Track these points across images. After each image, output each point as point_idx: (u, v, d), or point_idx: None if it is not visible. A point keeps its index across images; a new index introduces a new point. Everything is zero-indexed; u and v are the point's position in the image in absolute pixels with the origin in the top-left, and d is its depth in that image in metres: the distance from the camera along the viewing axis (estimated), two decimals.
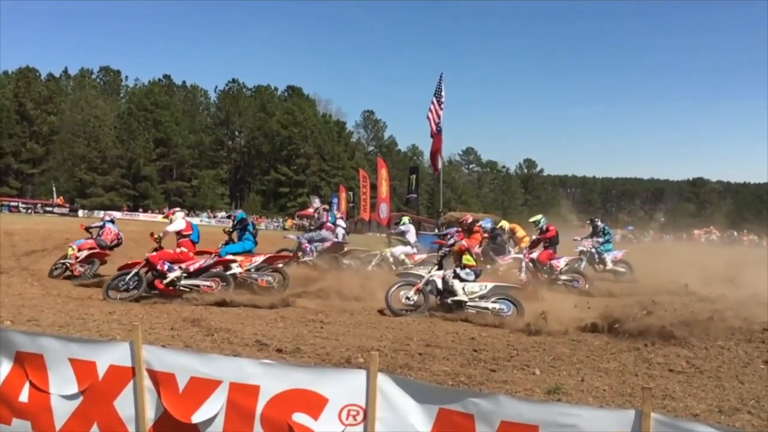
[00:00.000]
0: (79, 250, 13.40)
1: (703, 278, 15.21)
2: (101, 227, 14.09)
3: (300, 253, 16.26)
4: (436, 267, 11.31)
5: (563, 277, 14.95)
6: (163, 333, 8.28)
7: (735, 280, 15.30)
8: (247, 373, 3.42)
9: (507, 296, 10.68)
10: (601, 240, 17.51)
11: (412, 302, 10.59)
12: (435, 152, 30.37)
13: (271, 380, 3.36)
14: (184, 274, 11.22)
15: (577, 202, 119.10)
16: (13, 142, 74.68)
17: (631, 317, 9.40)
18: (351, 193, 62.37)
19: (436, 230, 26.16)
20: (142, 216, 63.65)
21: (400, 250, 16.52)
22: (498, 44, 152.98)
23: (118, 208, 66.97)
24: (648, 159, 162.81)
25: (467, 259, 11.12)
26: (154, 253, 11.31)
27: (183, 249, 11.54)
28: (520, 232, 18.37)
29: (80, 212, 59.05)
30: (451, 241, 11.78)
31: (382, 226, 40.08)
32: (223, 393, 3.43)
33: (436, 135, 29.39)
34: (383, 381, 3.17)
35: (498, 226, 18.43)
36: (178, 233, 11.70)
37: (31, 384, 3.86)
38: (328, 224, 16.94)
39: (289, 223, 66.52)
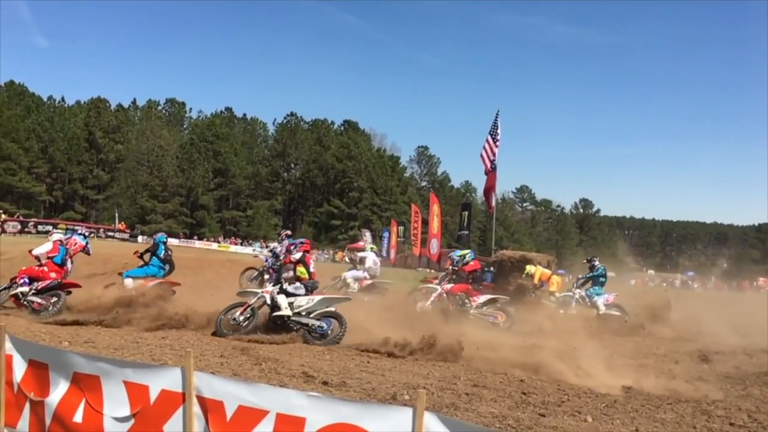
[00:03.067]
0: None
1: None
2: (68, 237, 14.26)
3: (267, 276, 16.34)
4: (273, 282, 11.24)
5: (474, 311, 14.26)
6: (213, 360, 8.40)
7: None
8: (294, 404, 3.42)
9: (330, 312, 10.69)
10: (581, 277, 17.26)
11: (237, 323, 10.56)
12: (489, 189, 30.28)
13: (318, 413, 3.35)
14: (33, 291, 11.70)
15: (634, 244, 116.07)
16: (81, 169, 78.21)
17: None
18: (402, 228, 62.49)
19: (491, 268, 25.93)
20: (197, 243, 65.20)
21: (351, 274, 17.21)
22: (556, 81, 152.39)
23: (176, 235, 68.84)
24: (711, 202, 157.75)
25: (301, 272, 11.14)
26: (25, 268, 12.23)
27: (45, 268, 12.13)
28: (547, 276, 18.59)
29: (140, 238, 60.87)
30: (296, 255, 11.69)
31: (433, 261, 39.94)
32: (270, 423, 3.44)
33: (491, 172, 29.33)
34: (430, 420, 3.12)
35: (525, 273, 18.88)
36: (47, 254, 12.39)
37: (87, 404, 3.97)
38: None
39: (339, 255, 66.96)
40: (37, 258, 12.28)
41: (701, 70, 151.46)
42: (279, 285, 11.08)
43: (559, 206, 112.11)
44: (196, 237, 72.07)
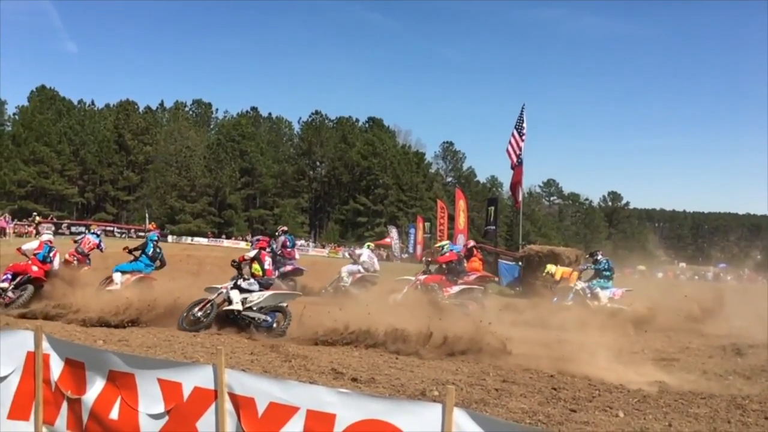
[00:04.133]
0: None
1: None
2: (83, 237, 15.83)
3: None
4: (232, 278, 11.62)
5: (447, 302, 14.09)
6: (244, 357, 8.50)
7: None
8: (324, 401, 3.46)
9: (278, 307, 11.09)
10: (583, 268, 17.20)
11: (196, 318, 10.81)
12: (515, 184, 30.11)
13: (347, 409, 3.38)
14: (11, 287, 12.41)
15: (665, 237, 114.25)
16: (111, 171, 79.61)
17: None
18: (428, 224, 62.34)
19: (519, 263, 25.77)
20: (226, 242, 65.88)
21: (346, 268, 18.19)
22: (581, 73, 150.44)
23: (204, 235, 69.65)
24: (744, 193, 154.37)
25: (255, 268, 11.57)
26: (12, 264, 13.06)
27: (28, 263, 12.92)
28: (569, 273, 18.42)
29: (169, 238, 61.66)
30: (251, 253, 12.09)
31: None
32: (301, 420, 3.48)
33: (517, 167, 29.17)
34: (459, 416, 3.13)
35: (546, 272, 19.00)
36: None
37: (123, 401, 4.06)
38: (287, 250, 17.95)
39: None
40: (25, 254, 13.19)
41: (730, 59, 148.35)
42: (234, 281, 11.46)
43: (587, 199, 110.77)
44: (224, 236, 72.81)
